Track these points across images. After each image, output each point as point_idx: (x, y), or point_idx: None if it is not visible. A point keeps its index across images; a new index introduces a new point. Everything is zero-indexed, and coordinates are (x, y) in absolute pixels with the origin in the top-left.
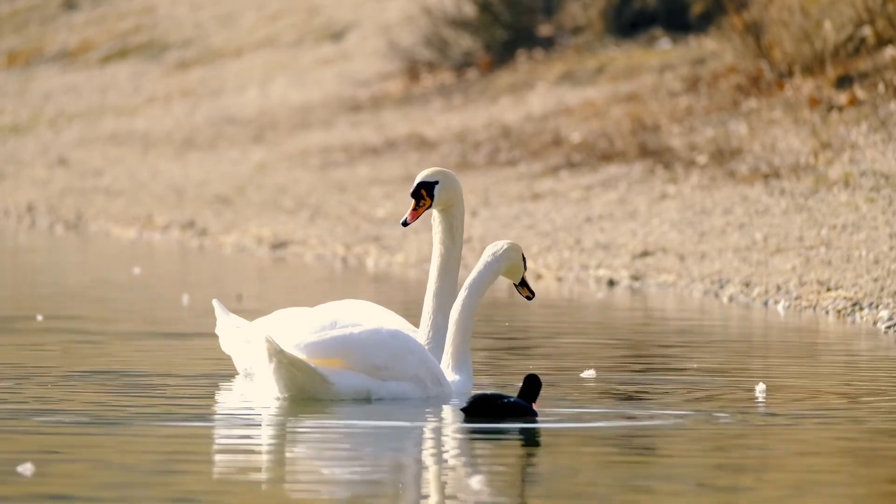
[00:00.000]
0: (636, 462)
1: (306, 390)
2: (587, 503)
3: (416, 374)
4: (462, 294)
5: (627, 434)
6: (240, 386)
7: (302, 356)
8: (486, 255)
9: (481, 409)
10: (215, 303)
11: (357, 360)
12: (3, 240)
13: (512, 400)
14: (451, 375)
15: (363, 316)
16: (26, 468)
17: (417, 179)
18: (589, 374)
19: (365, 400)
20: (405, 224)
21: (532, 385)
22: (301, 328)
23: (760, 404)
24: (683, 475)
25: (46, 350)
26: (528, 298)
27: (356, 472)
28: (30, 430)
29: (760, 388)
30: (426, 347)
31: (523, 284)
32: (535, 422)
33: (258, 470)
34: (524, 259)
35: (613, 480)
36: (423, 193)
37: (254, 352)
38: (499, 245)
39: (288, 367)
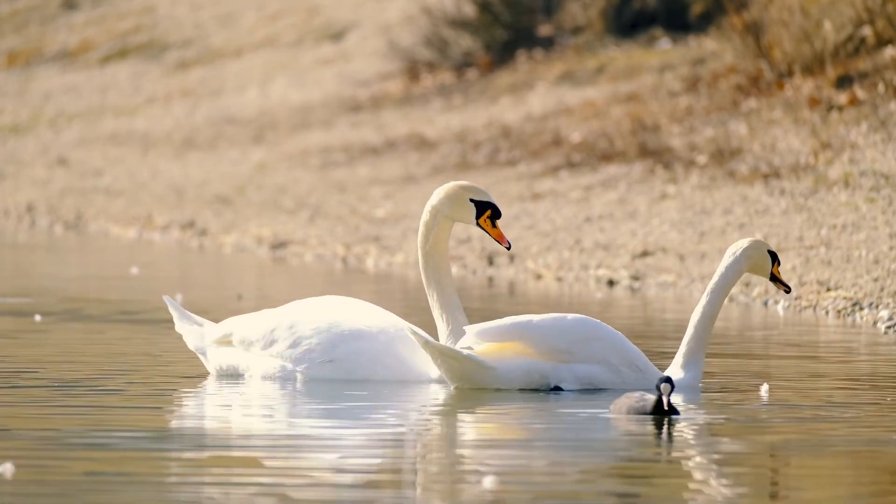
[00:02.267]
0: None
1: (470, 379)
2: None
3: (607, 359)
4: (703, 299)
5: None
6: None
7: (476, 342)
8: (727, 257)
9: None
10: (167, 300)
11: (536, 344)
12: (2, 239)
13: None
14: (677, 372)
15: (359, 314)
16: (6, 469)
17: (488, 198)
18: None
19: (542, 386)
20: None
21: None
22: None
23: (765, 403)
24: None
25: (43, 350)
26: (786, 292)
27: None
28: (16, 430)
29: (765, 389)
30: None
31: (775, 280)
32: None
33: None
34: (771, 253)
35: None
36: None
37: (231, 351)
38: (738, 244)
39: (443, 356)
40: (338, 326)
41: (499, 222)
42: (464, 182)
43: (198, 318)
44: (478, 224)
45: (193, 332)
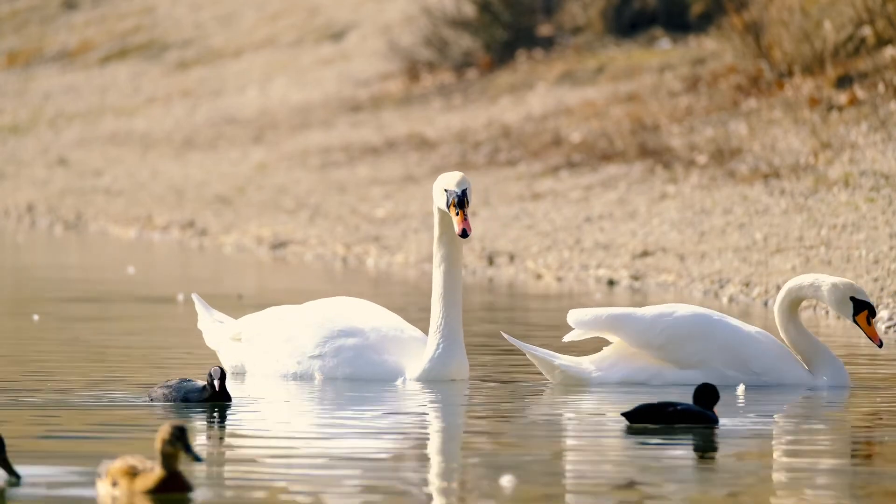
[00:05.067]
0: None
1: (562, 383)
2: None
3: (706, 360)
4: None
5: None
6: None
7: (575, 328)
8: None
9: (645, 417)
10: (195, 297)
11: (629, 336)
12: (2, 239)
13: (682, 407)
14: (817, 377)
15: (357, 313)
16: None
17: (458, 188)
18: None
19: (627, 385)
20: (466, 235)
21: (709, 393)
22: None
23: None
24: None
25: (41, 351)
26: None
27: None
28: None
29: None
30: (441, 346)
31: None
32: (713, 427)
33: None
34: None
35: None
36: (467, 202)
37: (238, 348)
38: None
39: (537, 362)
40: (330, 323)
41: (499, 225)
42: (848, 281)
43: (219, 316)
44: (854, 321)
45: (213, 330)
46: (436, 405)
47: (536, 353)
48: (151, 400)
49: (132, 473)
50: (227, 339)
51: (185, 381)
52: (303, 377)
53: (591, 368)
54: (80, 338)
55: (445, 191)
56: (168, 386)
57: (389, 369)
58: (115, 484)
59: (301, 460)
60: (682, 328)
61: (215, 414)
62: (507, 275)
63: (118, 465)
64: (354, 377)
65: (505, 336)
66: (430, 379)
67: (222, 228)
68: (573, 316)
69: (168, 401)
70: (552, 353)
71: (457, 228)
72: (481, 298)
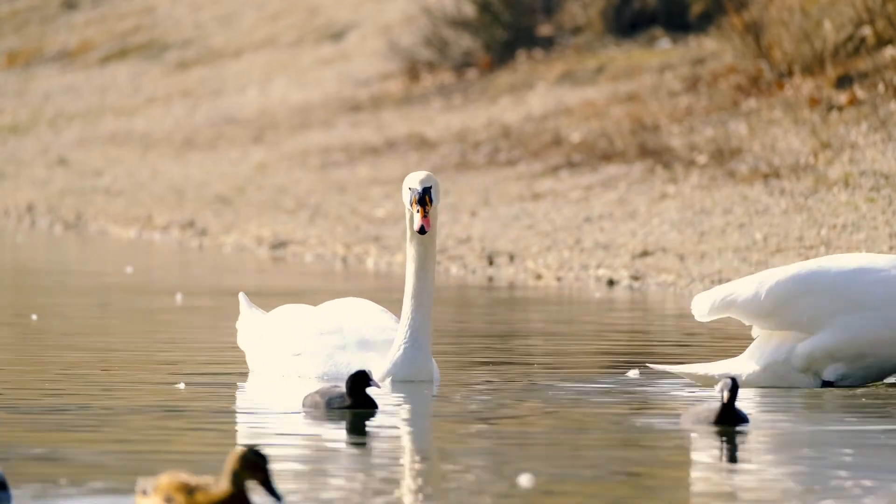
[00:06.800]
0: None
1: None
2: None
3: (817, 314)
4: None
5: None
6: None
7: (699, 319)
8: None
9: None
10: (241, 296)
11: (741, 313)
12: (2, 239)
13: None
14: None
15: (352, 315)
16: None
17: (420, 186)
18: (634, 373)
19: (785, 383)
20: (424, 232)
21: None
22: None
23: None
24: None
25: (40, 351)
26: None
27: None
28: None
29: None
30: (403, 347)
31: None
32: (743, 426)
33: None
34: None
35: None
36: (428, 199)
37: (251, 347)
38: None
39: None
40: (317, 324)
41: (499, 225)
42: None
43: (261, 315)
44: None
45: (247, 328)
46: (440, 406)
47: (682, 369)
48: (305, 407)
49: (187, 490)
50: (255, 337)
51: (335, 386)
52: (287, 377)
53: (724, 373)
54: (77, 338)
55: (410, 189)
56: (319, 392)
57: (354, 370)
58: (169, 500)
59: (294, 463)
60: (785, 287)
61: (351, 420)
62: (507, 275)
63: (169, 480)
64: (324, 377)
65: (651, 367)
66: (393, 380)
67: (222, 228)
68: (696, 306)
69: (318, 407)
70: (678, 369)
71: (416, 224)
72: (480, 298)
